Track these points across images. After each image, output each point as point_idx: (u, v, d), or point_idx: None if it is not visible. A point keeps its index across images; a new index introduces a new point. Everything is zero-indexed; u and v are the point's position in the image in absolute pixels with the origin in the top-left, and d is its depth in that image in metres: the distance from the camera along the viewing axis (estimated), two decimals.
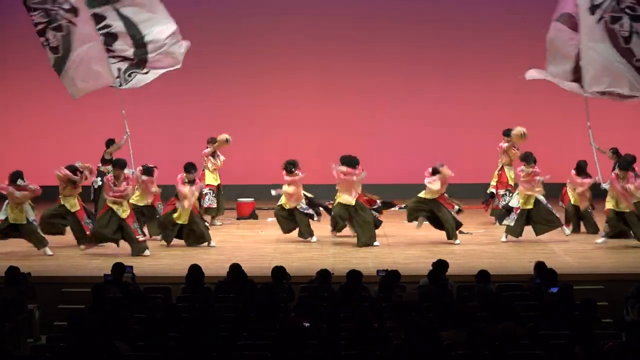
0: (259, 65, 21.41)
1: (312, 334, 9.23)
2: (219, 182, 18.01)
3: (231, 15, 21.36)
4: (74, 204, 15.36)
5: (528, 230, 15.87)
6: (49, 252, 14.88)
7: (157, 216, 15.99)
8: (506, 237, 15.84)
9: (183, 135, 20.82)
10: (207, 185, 17.81)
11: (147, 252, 14.85)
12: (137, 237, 14.90)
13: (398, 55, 21.43)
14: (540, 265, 11.66)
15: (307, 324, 9.50)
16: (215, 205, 17.86)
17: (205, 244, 15.53)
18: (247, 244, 15.90)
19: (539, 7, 21.20)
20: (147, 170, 15.96)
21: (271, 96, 21.41)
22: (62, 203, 15.35)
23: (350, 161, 15.67)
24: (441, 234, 15.81)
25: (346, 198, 15.56)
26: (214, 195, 17.85)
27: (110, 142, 17.76)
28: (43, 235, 15.04)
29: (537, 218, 15.71)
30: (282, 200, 16.04)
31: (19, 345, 10.95)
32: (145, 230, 15.77)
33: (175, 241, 15.59)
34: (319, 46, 21.43)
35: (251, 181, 18.23)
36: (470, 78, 21.31)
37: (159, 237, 15.79)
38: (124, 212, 14.96)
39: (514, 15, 21.31)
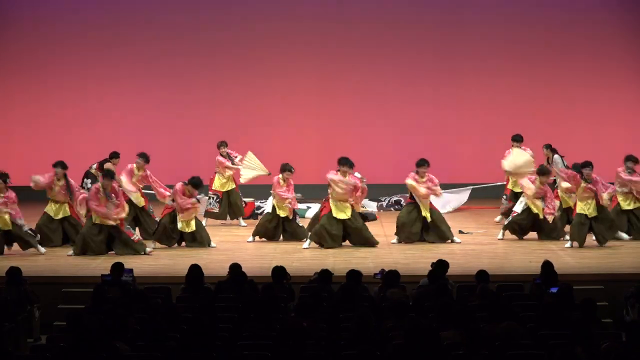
0: (258, 68, 21.45)
1: (312, 334, 9.24)
2: (226, 189, 17.73)
3: (232, 21, 21.40)
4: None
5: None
6: (42, 249, 14.83)
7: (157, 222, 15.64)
8: (502, 234, 15.88)
9: (183, 137, 20.97)
10: (213, 190, 17.68)
11: (148, 250, 14.80)
12: (131, 238, 14.80)
13: (397, 57, 21.43)
14: (546, 265, 11.60)
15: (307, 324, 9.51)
16: (216, 210, 17.68)
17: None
18: (247, 244, 15.90)
19: (539, 9, 21.30)
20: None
21: (271, 98, 21.43)
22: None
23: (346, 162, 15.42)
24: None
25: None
26: (216, 200, 17.70)
27: (114, 155, 17.23)
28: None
29: (544, 227, 15.69)
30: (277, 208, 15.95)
31: (19, 345, 10.95)
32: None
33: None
34: (318, 49, 21.44)
35: (251, 181, 18.24)
36: (470, 80, 21.30)
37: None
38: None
39: (512, 15, 21.31)
